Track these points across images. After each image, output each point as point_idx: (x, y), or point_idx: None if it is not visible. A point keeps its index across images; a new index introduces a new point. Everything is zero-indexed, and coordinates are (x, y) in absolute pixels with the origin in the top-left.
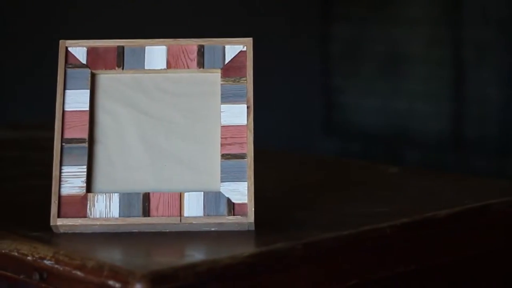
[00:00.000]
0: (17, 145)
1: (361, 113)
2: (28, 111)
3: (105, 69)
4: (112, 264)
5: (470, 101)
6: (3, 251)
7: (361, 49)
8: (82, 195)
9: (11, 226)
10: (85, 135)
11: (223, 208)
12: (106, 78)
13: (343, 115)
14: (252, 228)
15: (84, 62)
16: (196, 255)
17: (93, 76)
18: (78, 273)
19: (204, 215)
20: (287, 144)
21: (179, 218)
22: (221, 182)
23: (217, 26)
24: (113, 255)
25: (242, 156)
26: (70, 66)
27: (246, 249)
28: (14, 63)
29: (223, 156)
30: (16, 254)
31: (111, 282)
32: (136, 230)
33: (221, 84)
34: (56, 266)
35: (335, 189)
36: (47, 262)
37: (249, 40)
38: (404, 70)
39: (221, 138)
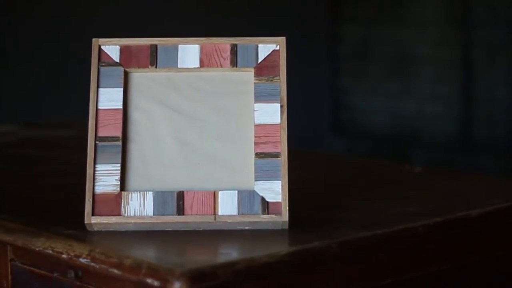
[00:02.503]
0: (39, 144)
1: (369, 114)
2: (46, 110)
3: (138, 67)
4: (150, 262)
5: (479, 102)
6: (36, 249)
7: (370, 49)
8: (116, 193)
9: (44, 224)
10: (118, 133)
11: (257, 207)
12: (139, 77)
13: (351, 115)
14: (286, 227)
15: (117, 60)
16: (233, 253)
17: (126, 75)
18: (115, 271)
19: (238, 213)
20: (295, 144)
21: (213, 216)
22: (255, 180)
23: (226, 26)
24: (150, 253)
25: (276, 155)
26: (103, 64)
27: (282, 248)
28: (33, 62)
29: (257, 154)
30: (50, 252)
31: (149, 280)
32: (170, 229)
33: (255, 83)
34: (92, 264)
35: (363, 188)
36: (82, 260)
37: (282, 39)
38: (413, 71)
39: (255, 137)
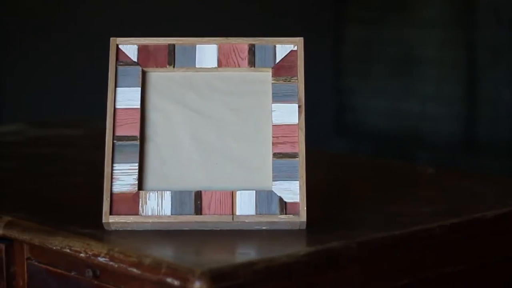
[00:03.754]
0: (49, 143)
1: (373, 114)
2: (50, 109)
3: (156, 67)
4: (169, 261)
5: (482, 103)
6: (54, 247)
7: (374, 50)
8: (134, 192)
9: (61, 223)
10: (136, 132)
11: (275, 207)
12: (157, 76)
13: (355, 116)
14: (304, 227)
15: (135, 59)
16: (252, 253)
17: (143, 74)
18: (134, 270)
19: (256, 213)
20: None
21: (231, 216)
22: (273, 181)
23: (228, 27)
24: (169, 253)
25: (294, 155)
26: (121, 63)
27: (301, 248)
28: (39, 61)
29: (275, 155)
30: (68, 250)
31: (169, 280)
32: (187, 228)
33: (272, 83)
34: (110, 263)
35: (378, 188)
36: (101, 259)
37: (300, 39)
38: (417, 72)
39: (273, 137)
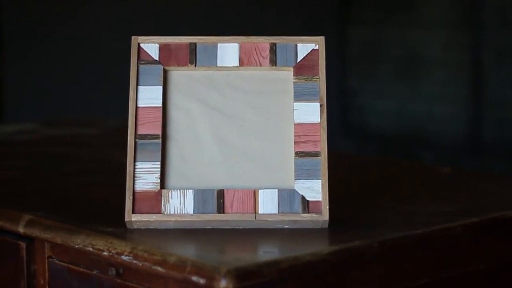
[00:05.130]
0: (63, 142)
1: (378, 115)
2: (60, 108)
3: (177, 65)
4: (195, 260)
5: (488, 104)
6: (76, 246)
7: (379, 51)
8: (156, 191)
9: (83, 222)
10: (158, 131)
11: (298, 206)
12: (178, 75)
13: (360, 116)
14: (326, 226)
15: (157, 58)
16: (276, 252)
17: (165, 73)
18: (159, 268)
19: (278, 212)
20: None
21: (253, 215)
22: (295, 179)
23: (234, 27)
24: (192, 251)
25: (316, 154)
26: (142, 62)
27: (324, 247)
28: (52, 61)
29: (297, 153)
30: (91, 249)
31: (194, 278)
32: (210, 227)
33: (294, 82)
34: (134, 261)
35: (395, 188)
36: (124, 258)
37: (321, 38)
38: (422, 73)
39: (295, 136)
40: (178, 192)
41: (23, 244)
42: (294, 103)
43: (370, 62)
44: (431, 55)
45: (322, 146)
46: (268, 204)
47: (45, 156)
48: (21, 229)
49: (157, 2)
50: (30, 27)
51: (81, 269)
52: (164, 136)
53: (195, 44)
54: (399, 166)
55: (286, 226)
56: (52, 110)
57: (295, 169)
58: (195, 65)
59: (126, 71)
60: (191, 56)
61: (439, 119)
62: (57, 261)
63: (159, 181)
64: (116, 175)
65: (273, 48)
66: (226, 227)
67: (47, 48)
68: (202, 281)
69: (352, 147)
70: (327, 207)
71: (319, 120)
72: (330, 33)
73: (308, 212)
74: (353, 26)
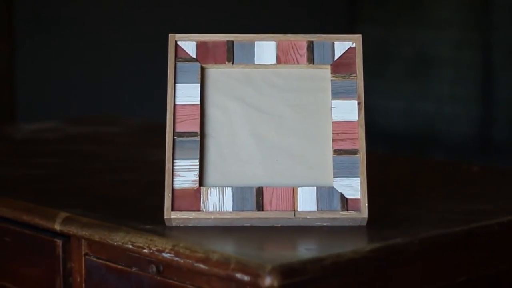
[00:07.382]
0: (88, 140)
1: (388, 115)
2: (73, 107)
3: (215, 63)
4: (238, 257)
5: (498, 103)
6: (115, 243)
7: (389, 51)
8: (195, 188)
9: (121, 219)
10: (196, 128)
11: (337, 203)
12: (216, 72)
13: (370, 116)
14: (364, 223)
15: (194, 56)
16: (318, 249)
17: (202, 70)
18: (201, 265)
19: (317, 210)
20: None
21: (293, 212)
22: (334, 177)
23: (244, 26)
24: (234, 248)
25: (354, 152)
26: (180, 60)
27: (365, 244)
28: (76, 59)
29: (336, 151)
30: (130, 246)
31: (238, 275)
32: (248, 224)
33: (331, 80)
34: (176, 258)
35: (427, 186)
36: (165, 255)
37: (358, 36)
38: (432, 72)
39: (333, 133)
40: (217, 189)
41: (59, 242)
42: (332, 101)
43: (380, 62)
44: (442, 55)
45: (360, 144)
46: (307, 202)
47: (71, 153)
48: (57, 227)
49: (166, 2)
50: (42, 25)
51: (119, 267)
52: (202, 134)
53: (232, 42)
54: (426, 164)
55: (325, 224)
56: (65, 109)
57: (333, 166)
58: (233, 63)
59: (137, 69)
60: (229, 54)
61: (449, 119)
62: (95, 259)
63: (197, 178)
64: (146, 172)
65: (310, 46)
66: (265, 225)
67: (58, 47)
68: (246, 278)
69: None
70: (366, 204)
71: (357, 118)
72: (340, 32)
73: (347, 210)
74: (363, 26)
